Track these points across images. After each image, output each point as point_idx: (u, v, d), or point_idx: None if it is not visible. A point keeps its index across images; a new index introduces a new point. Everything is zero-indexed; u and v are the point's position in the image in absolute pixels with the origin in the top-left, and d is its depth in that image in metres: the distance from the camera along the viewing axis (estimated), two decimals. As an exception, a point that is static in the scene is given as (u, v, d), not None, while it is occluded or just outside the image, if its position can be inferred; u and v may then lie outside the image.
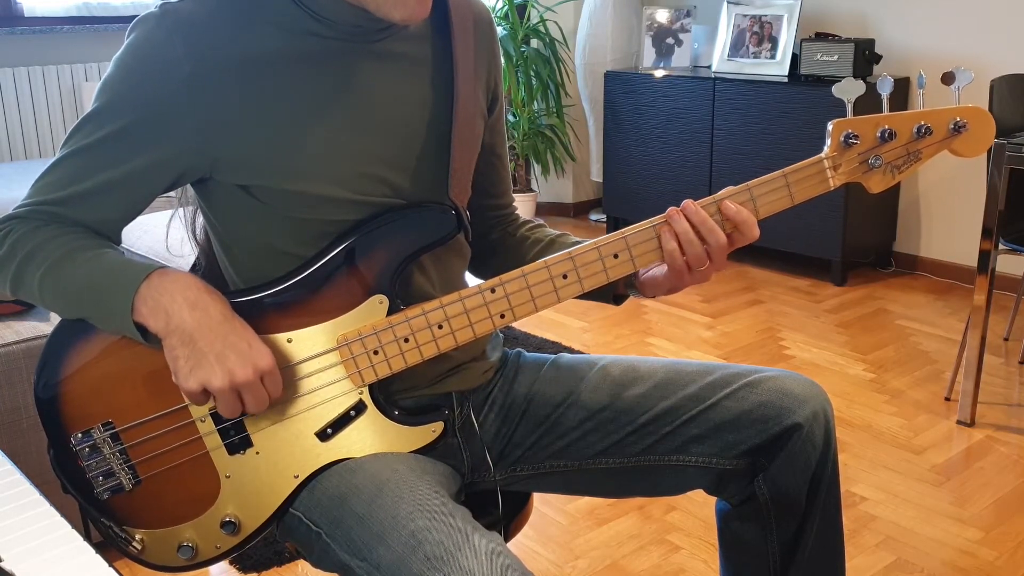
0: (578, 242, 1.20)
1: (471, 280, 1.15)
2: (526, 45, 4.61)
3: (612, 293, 1.21)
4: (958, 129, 1.09)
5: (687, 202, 1.07)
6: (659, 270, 1.13)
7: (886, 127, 1.09)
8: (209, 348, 0.99)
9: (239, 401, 1.02)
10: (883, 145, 1.09)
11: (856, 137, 1.08)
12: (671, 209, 1.07)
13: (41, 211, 1.05)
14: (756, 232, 1.07)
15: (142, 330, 1.01)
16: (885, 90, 1.12)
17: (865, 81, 1.26)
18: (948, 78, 1.13)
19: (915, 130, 1.09)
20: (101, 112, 1.03)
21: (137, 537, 1.08)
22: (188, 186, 1.14)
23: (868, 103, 1.41)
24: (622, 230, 1.07)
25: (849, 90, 1.12)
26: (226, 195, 1.09)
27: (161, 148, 1.03)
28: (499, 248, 1.31)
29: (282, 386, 1.04)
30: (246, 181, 1.06)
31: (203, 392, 1.01)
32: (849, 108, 1.12)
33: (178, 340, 1.00)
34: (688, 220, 1.06)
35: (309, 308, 1.07)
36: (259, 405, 1.02)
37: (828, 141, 1.09)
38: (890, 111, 1.10)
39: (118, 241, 1.11)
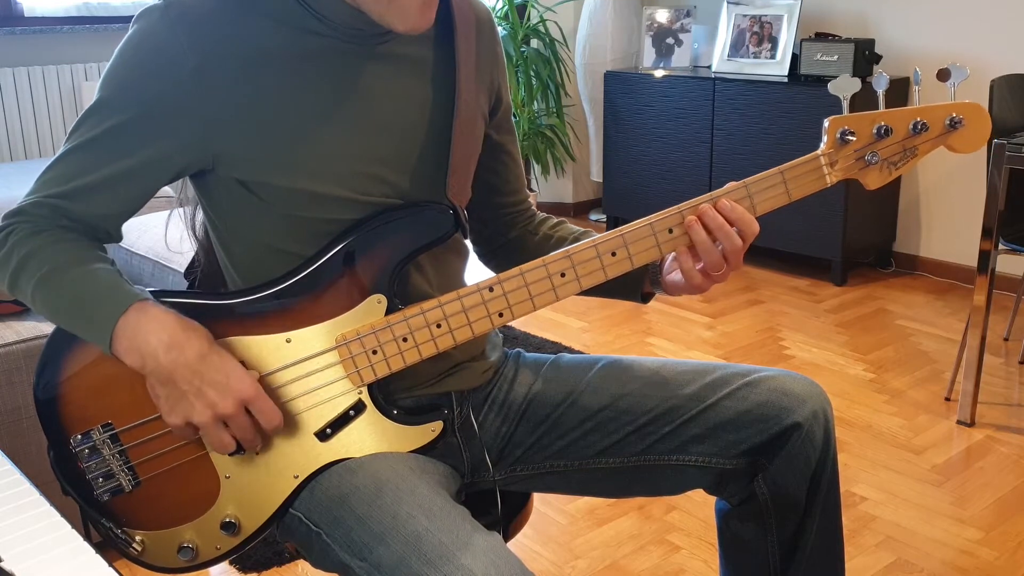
0: None
1: (472, 279, 1.15)
2: (526, 45, 4.60)
3: (640, 291, 1.21)
4: (954, 125, 1.10)
5: (705, 207, 1.07)
6: (678, 275, 1.14)
7: (882, 123, 1.09)
8: (188, 387, 0.99)
9: (228, 434, 1.02)
10: (879, 141, 1.09)
11: (852, 134, 1.08)
12: (689, 219, 1.07)
13: (46, 204, 1.05)
14: (756, 227, 1.08)
15: None
16: (881, 87, 1.12)
17: (864, 81, 1.26)
18: (943, 74, 1.13)
19: (911, 126, 1.09)
20: (105, 105, 1.03)
21: (137, 538, 1.08)
22: (188, 185, 1.14)
23: (866, 101, 1.41)
24: (619, 228, 1.07)
25: (845, 87, 1.12)
26: (226, 192, 1.08)
27: (165, 142, 1.03)
28: (521, 247, 1.31)
29: (278, 414, 1.03)
30: (246, 176, 1.06)
31: (189, 426, 1.01)
32: (845, 105, 1.12)
33: (156, 380, 1.01)
34: (705, 226, 1.06)
35: (307, 308, 1.07)
36: (246, 433, 1.02)
37: (824, 138, 1.09)
38: (887, 108, 1.10)
39: (119, 235, 1.10)
